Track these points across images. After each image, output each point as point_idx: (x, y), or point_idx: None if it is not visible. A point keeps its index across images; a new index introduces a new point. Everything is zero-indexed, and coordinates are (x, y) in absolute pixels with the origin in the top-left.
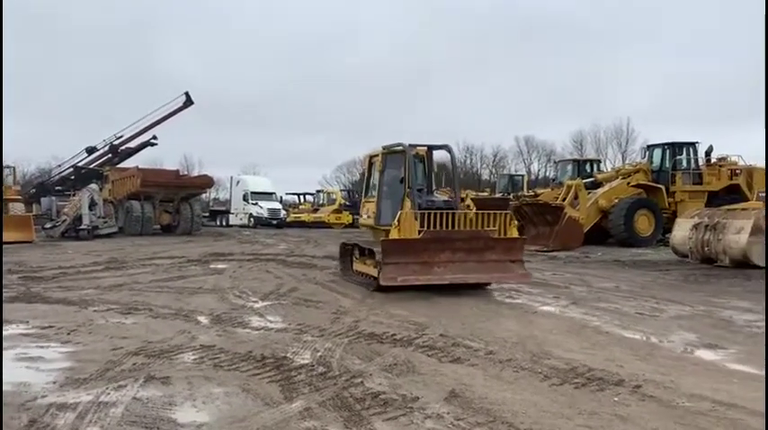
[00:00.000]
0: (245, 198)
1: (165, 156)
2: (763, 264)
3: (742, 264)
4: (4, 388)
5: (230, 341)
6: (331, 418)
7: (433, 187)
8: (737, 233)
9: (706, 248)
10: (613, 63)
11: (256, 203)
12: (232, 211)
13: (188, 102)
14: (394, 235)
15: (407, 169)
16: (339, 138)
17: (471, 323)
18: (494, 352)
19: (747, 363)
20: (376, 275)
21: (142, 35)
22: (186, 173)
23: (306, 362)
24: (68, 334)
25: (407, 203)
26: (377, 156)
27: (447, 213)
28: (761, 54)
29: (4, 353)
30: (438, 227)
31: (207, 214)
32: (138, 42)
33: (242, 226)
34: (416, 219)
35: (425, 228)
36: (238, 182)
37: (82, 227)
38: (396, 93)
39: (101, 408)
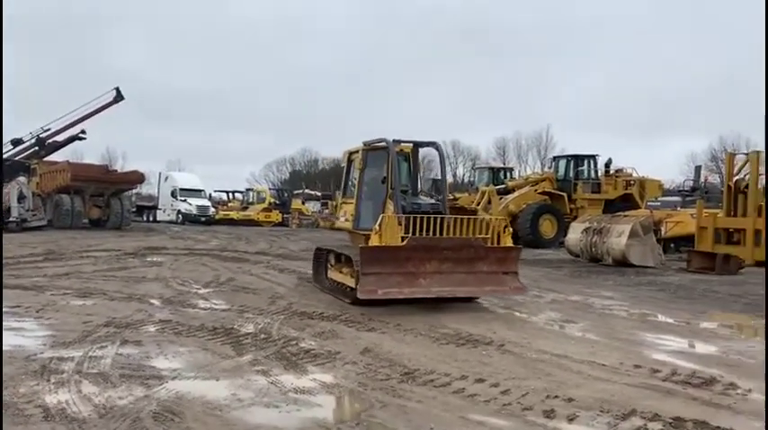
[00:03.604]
0: (173, 194)
1: (86, 148)
2: (638, 263)
3: (622, 263)
4: (4, 347)
5: (184, 317)
6: (274, 365)
7: (419, 188)
8: (618, 236)
9: (593, 249)
10: (540, 75)
11: (185, 200)
12: (160, 207)
13: (118, 97)
14: (375, 241)
15: (390, 168)
16: (269, 137)
17: (387, 304)
18: (401, 324)
19: (587, 332)
20: (353, 286)
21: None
22: (110, 166)
23: (250, 331)
24: (38, 311)
25: (390, 206)
26: (357, 152)
27: (434, 218)
28: (669, 76)
29: None
30: (424, 233)
31: (134, 209)
32: (70, 32)
33: (170, 222)
34: (400, 223)
35: (410, 235)
36: (167, 178)
37: (11, 219)
38: (328, 95)
39: (92, 360)
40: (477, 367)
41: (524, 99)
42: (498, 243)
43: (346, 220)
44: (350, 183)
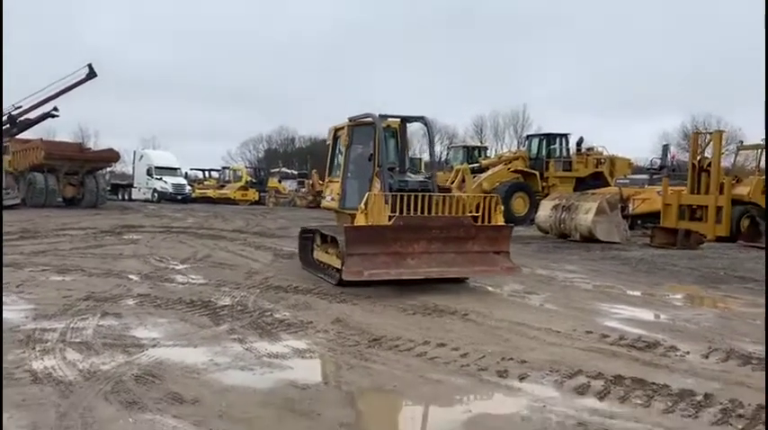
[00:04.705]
0: (149, 172)
1: (59, 126)
2: (604, 238)
3: (589, 239)
4: None
5: (162, 291)
6: (250, 334)
7: (407, 165)
8: (586, 213)
9: (562, 225)
10: (519, 55)
11: (161, 178)
12: (135, 186)
13: (91, 74)
14: (360, 221)
15: (377, 144)
16: (245, 115)
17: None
18: (371, 296)
19: (547, 302)
20: (339, 266)
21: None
22: (83, 144)
23: (227, 303)
24: (18, 286)
25: (377, 184)
26: (342, 129)
27: (422, 196)
28: (645, 57)
29: None
30: (412, 211)
31: (109, 188)
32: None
33: (145, 200)
34: (387, 202)
35: (397, 214)
36: (142, 156)
37: None
38: (305, 72)
39: (74, 331)
40: (440, 333)
41: (503, 78)
42: (489, 221)
43: (332, 199)
44: (335, 160)
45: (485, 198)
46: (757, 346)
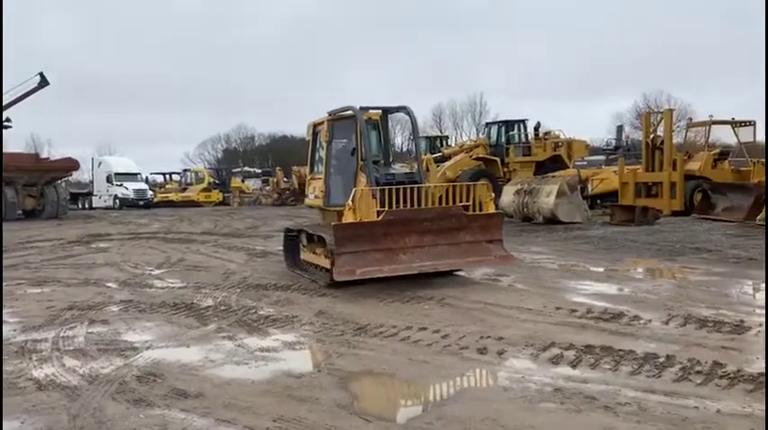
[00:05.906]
0: (109, 179)
1: (9, 136)
2: (566, 219)
3: (551, 220)
4: None
5: (143, 296)
6: (238, 331)
7: (391, 158)
8: (547, 196)
9: (525, 209)
10: (474, 43)
11: (121, 185)
12: (95, 194)
13: (43, 82)
14: (349, 218)
15: (359, 138)
16: (200, 116)
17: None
18: (350, 288)
19: (516, 283)
20: (329, 267)
21: None
22: (37, 154)
23: (210, 304)
24: None
25: (362, 179)
26: (322, 124)
27: (410, 188)
28: (597, 43)
29: None
30: (401, 205)
31: (68, 197)
32: None
33: (107, 208)
34: (374, 197)
35: (386, 208)
36: (100, 163)
37: None
38: (261, 69)
39: (66, 339)
40: (420, 319)
41: (458, 67)
42: (480, 210)
43: (316, 197)
44: (317, 157)
45: (474, 186)
46: (711, 311)
